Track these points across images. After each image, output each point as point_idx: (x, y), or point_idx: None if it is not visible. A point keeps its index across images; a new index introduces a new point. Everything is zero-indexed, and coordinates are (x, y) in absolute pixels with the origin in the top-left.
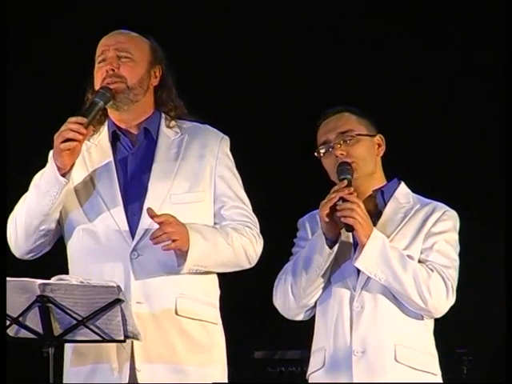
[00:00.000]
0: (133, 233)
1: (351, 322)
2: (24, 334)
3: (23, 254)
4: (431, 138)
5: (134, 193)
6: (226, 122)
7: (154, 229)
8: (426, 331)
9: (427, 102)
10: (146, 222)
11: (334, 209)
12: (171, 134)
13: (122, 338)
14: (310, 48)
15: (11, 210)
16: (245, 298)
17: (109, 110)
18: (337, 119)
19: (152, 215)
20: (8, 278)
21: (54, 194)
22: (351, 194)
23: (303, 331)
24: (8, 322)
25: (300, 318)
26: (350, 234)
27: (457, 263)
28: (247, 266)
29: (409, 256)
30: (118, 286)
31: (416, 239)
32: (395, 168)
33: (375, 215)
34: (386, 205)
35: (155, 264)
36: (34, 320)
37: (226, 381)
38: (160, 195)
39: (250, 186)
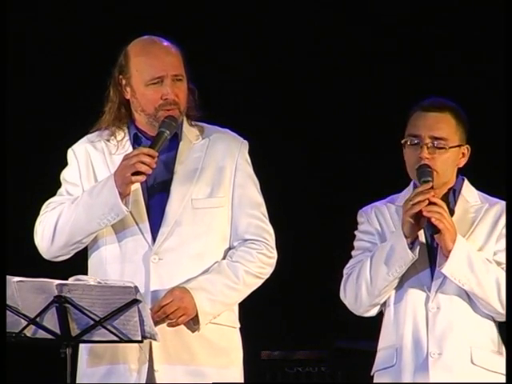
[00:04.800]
0: (154, 237)
1: (427, 323)
2: (41, 334)
3: (53, 258)
4: None
5: (156, 196)
6: (244, 125)
7: (177, 231)
8: (496, 330)
9: None
10: (167, 226)
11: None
12: (193, 138)
13: (139, 338)
14: (331, 49)
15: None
16: (259, 298)
17: (135, 114)
18: (437, 119)
19: (158, 306)
20: (25, 279)
21: (110, 219)
22: (434, 196)
23: (320, 331)
24: (25, 323)
25: (369, 314)
26: (423, 234)
27: None
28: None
29: (488, 260)
30: (136, 287)
31: (489, 240)
32: None
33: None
34: (455, 203)
35: (176, 268)
36: (51, 320)
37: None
38: (182, 200)
39: (267, 188)
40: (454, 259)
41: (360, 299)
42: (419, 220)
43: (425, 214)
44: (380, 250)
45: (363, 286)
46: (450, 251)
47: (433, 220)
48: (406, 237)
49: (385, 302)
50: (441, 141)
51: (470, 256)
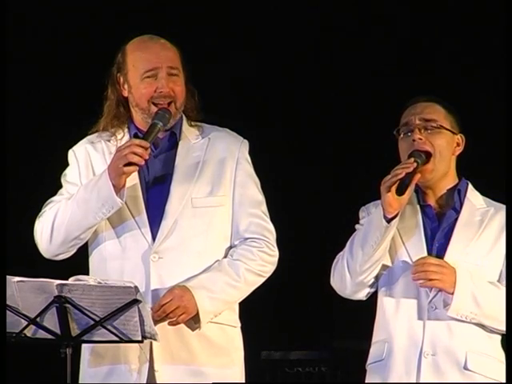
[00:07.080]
0: (154, 235)
1: (424, 322)
2: (42, 334)
3: (53, 256)
4: None
5: (156, 196)
6: (244, 124)
7: (177, 229)
8: (498, 337)
9: None
10: (167, 225)
11: (400, 183)
12: (193, 137)
13: (139, 338)
14: (332, 49)
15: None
16: (260, 297)
17: (133, 112)
18: (426, 106)
19: (158, 305)
20: (25, 279)
21: (105, 212)
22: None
23: (320, 331)
24: (25, 323)
25: (357, 296)
26: (422, 233)
27: None
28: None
29: (490, 282)
30: (136, 287)
31: (495, 246)
32: None
33: (452, 215)
34: (461, 204)
35: (175, 267)
36: (51, 320)
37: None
38: (181, 199)
39: (267, 188)
40: (457, 300)
41: (344, 279)
42: (398, 192)
43: (421, 284)
44: (361, 228)
45: (346, 265)
46: (452, 293)
47: (431, 283)
48: (384, 210)
49: (378, 296)
50: (431, 121)
51: (474, 291)
